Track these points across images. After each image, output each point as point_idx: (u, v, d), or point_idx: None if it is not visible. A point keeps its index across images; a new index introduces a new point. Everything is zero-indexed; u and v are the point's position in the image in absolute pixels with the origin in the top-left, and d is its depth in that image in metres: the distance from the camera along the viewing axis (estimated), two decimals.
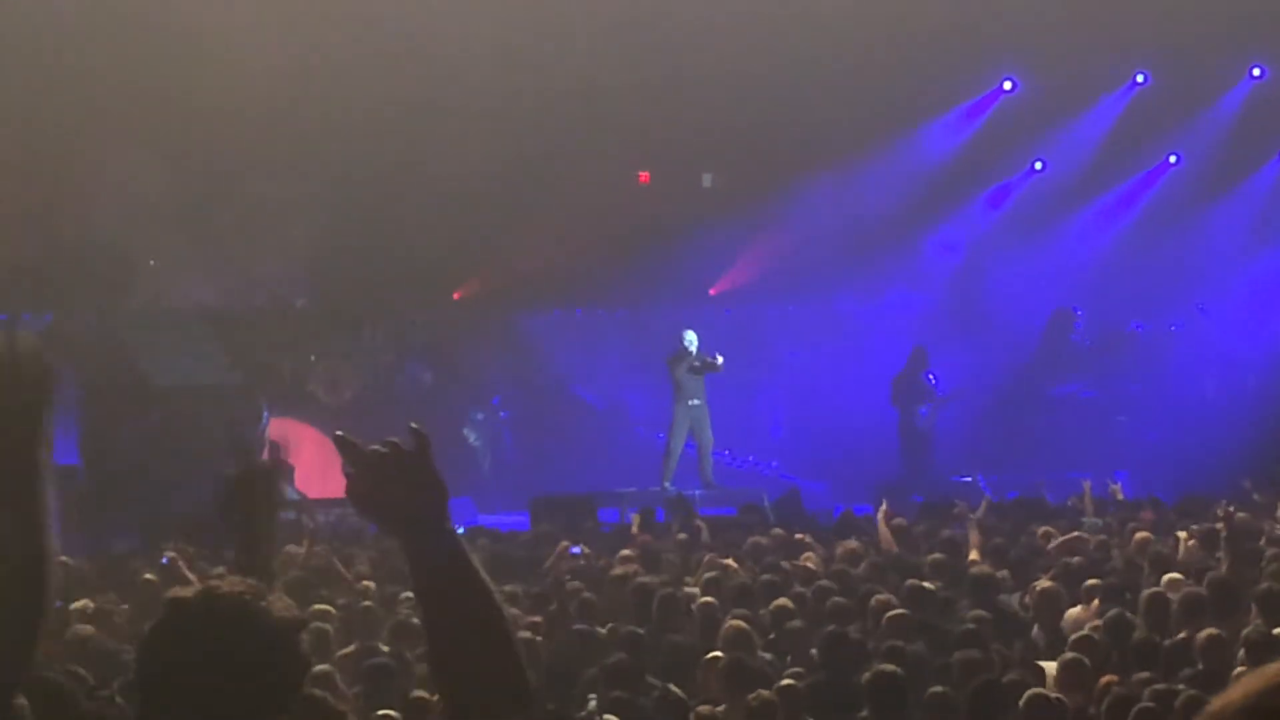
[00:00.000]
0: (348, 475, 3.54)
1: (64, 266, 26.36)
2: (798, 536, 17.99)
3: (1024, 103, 28.19)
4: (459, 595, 3.53)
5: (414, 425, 3.58)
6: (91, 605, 13.69)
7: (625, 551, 16.93)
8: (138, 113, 24.80)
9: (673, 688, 10.64)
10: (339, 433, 3.57)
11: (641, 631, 12.15)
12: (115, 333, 27.41)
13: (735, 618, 12.13)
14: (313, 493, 27.17)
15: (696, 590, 14.23)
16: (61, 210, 25.84)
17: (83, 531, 23.72)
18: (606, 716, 9.64)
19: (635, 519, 19.45)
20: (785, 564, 15.64)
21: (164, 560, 16.23)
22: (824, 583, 13.86)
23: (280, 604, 3.64)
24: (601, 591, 14.41)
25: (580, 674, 11.31)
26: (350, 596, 14.51)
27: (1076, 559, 15.01)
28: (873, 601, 12.66)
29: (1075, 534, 16.84)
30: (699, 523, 19.20)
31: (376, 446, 3.54)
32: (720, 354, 25.50)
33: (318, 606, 13.41)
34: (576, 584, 14.68)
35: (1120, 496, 20.73)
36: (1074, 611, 12.83)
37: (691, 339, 25.84)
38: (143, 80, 24.41)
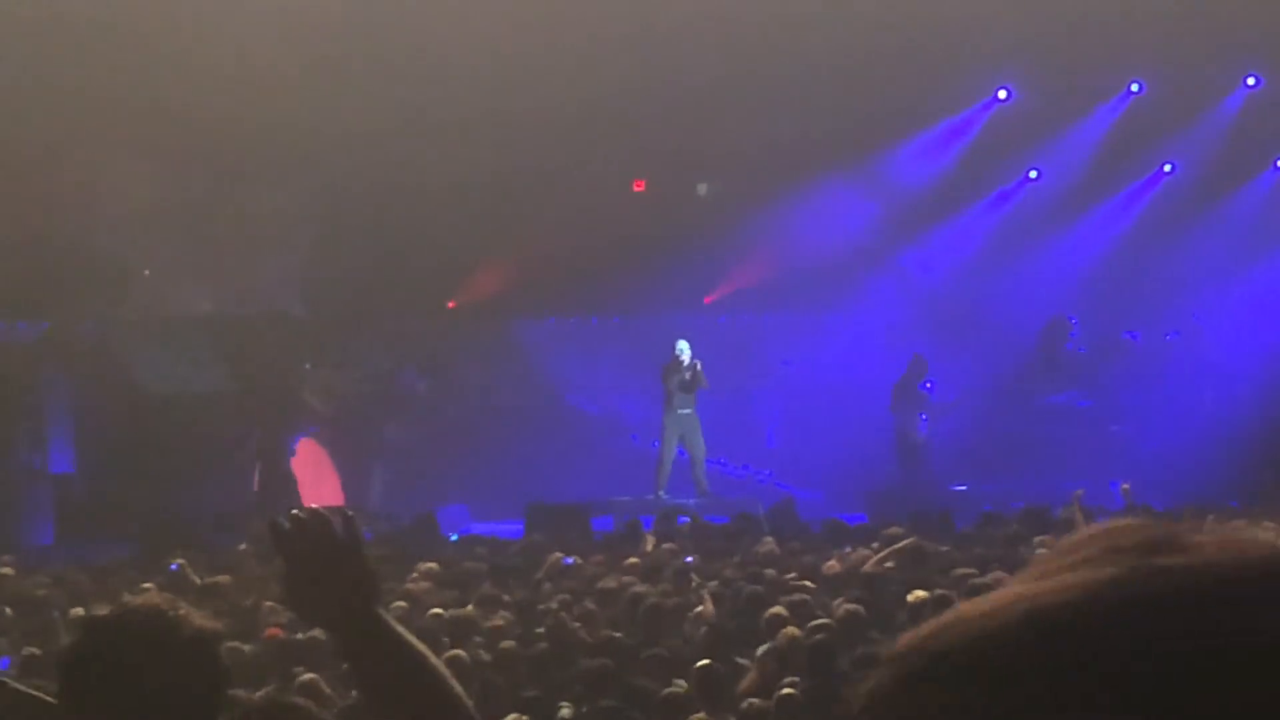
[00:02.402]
0: (285, 574, 3.46)
1: (60, 275, 26.37)
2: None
3: (1019, 112, 28.20)
4: (396, 676, 3.45)
5: (348, 512, 3.51)
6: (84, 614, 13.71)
7: (631, 560, 17.01)
8: (134, 122, 24.81)
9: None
10: (274, 521, 3.47)
11: (620, 637, 12.16)
12: (111, 342, 27.45)
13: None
14: (307, 501, 27.21)
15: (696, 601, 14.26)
16: (58, 219, 25.86)
17: (79, 540, 23.77)
18: None
19: (648, 537, 19.45)
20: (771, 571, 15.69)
21: (173, 567, 16.29)
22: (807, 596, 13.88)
23: (198, 616, 3.66)
24: (596, 602, 14.43)
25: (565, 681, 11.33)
26: None
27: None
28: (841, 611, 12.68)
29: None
30: (675, 534, 19.27)
31: (310, 532, 3.44)
32: (705, 378, 25.68)
33: None
34: (566, 596, 14.71)
35: (1130, 500, 20.57)
36: None
37: (684, 349, 25.91)
38: (139, 89, 24.43)
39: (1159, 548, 1.37)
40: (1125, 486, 20.97)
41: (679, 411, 25.87)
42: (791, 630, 11.71)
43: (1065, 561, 1.40)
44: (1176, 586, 1.33)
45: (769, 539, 18.74)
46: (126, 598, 3.78)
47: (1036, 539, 17.08)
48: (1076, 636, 1.32)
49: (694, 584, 15.21)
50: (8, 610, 14.58)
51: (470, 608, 14.00)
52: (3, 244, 25.06)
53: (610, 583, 15.42)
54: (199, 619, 3.66)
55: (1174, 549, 1.37)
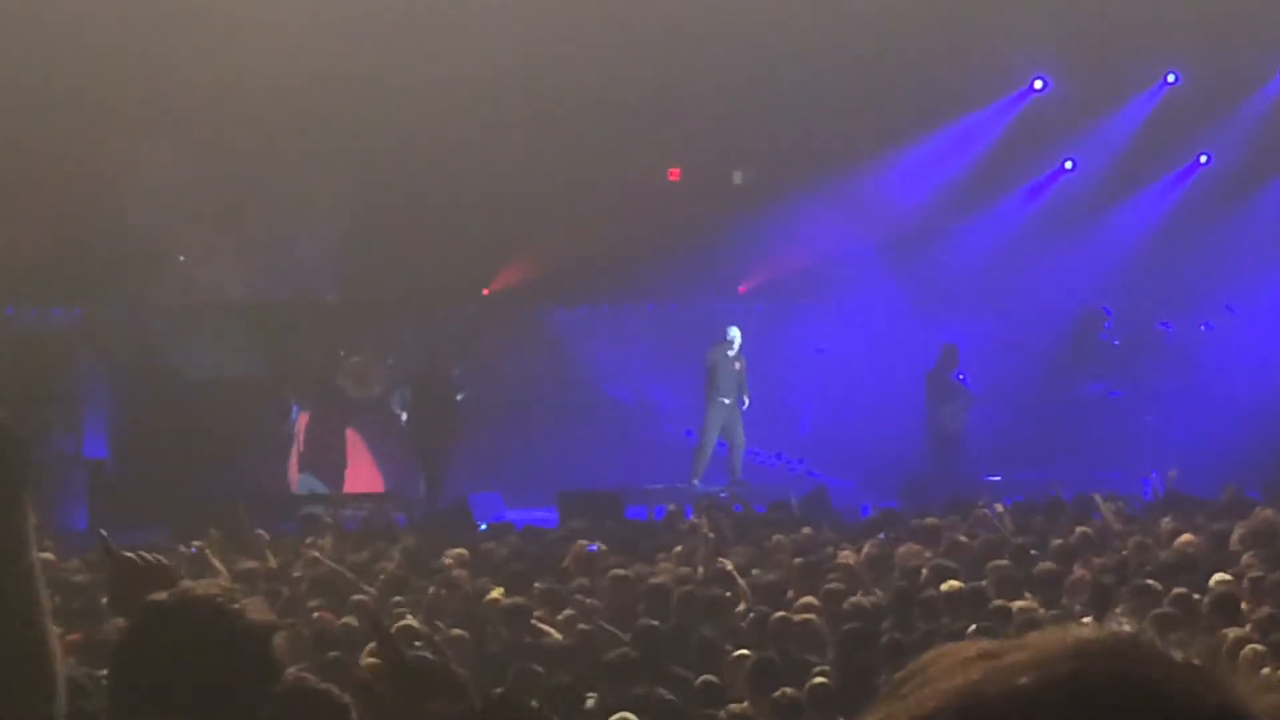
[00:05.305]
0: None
1: (95, 261, 26.45)
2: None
3: (1055, 101, 28.15)
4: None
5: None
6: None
7: (679, 548, 17.04)
8: (168, 107, 24.88)
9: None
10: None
11: (657, 625, 12.16)
12: (145, 327, 27.53)
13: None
14: (342, 488, 27.26)
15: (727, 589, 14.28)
16: (92, 205, 25.92)
17: (112, 525, 23.85)
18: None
19: (679, 516, 19.49)
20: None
21: (191, 549, 16.32)
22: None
23: (253, 608, 3.67)
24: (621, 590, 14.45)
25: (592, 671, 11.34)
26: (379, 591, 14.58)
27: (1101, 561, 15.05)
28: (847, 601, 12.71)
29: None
30: (724, 521, 19.20)
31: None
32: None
33: (357, 596, 13.59)
34: (585, 581, 14.75)
35: (1171, 487, 20.45)
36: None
37: (735, 335, 26.01)
38: (174, 74, 24.49)
39: (998, 652, 1.46)
40: (1172, 473, 20.84)
41: (721, 400, 25.93)
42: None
43: (918, 680, 1.46)
44: (1027, 681, 1.42)
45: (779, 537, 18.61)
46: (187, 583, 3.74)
47: (1079, 529, 17.06)
48: None
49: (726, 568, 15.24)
50: (56, 599, 14.62)
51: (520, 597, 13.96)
52: (37, 230, 25.13)
53: (643, 570, 15.45)
54: (254, 610, 3.67)
55: (1012, 649, 1.47)
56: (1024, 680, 1.41)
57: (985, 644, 1.50)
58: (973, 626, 11.71)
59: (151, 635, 3.62)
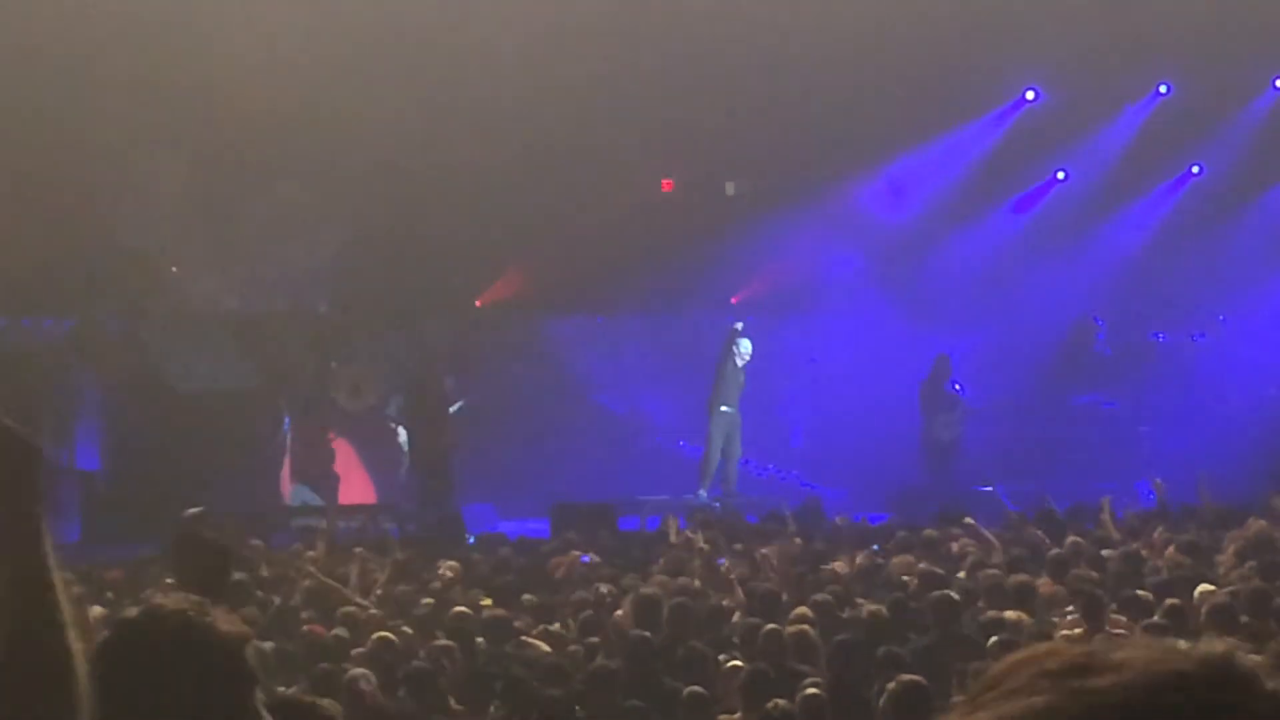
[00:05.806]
0: None
1: (88, 271, 26.42)
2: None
3: (1047, 112, 28.16)
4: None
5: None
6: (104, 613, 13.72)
7: (663, 559, 17.03)
8: (161, 117, 24.86)
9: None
10: None
11: (648, 636, 12.15)
12: (138, 338, 27.47)
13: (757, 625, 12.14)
14: (336, 499, 27.23)
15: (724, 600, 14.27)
16: (85, 215, 25.90)
17: (104, 537, 23.81)
18: None
19: (672, 526, 19.46)
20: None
21: None
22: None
23: (225, 620, 3.65)
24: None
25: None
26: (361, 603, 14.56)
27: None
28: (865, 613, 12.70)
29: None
30: (717, 533, 19.22)
31: None
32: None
33: (345, 610, 13.57)
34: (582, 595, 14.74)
35: (1163, 497, 20.46)
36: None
37: (747, 347, 26.08)
38: (166, 84, 24.46)
39: (1085, 669, 1.37)
40: (1158, 482, 20.84)
41: (723, 409, 26.00)
42: None
43: (998, 690, 1.40)
44: (1109, 707, 1.34)
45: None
46: (152, 595, 3.72)
47: (1070, 539, 17.03)
48: None
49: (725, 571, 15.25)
50: None
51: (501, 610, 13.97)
52: (30, 240, 25.09)
53: (633, 581, 15.44)
54: (226, 622, 3.65)
55: (1101, 669, 1.37)
56: (1115, 705, 1.36)
57: (1068, 655, 1.44)
58: (994, 638, 11.64)
59: (122, 651, 3.61)
